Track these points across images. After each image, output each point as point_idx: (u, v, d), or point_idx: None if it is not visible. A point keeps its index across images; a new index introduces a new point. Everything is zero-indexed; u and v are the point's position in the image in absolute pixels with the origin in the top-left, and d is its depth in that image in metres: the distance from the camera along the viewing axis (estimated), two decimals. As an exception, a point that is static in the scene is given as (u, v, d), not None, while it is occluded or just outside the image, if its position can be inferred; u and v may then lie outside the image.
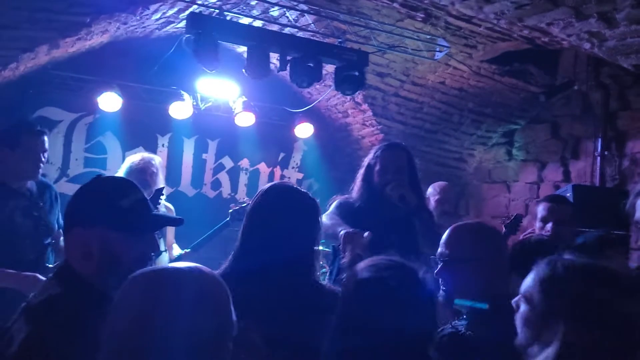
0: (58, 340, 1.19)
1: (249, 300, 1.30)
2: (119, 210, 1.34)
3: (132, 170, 3.51)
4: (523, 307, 1.27)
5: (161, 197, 3.20)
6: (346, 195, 2.83)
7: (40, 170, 2.84)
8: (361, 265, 1.42)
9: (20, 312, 1.28)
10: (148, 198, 1.45)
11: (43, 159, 2.83)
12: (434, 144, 5.13)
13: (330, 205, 2.80)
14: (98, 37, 3.89)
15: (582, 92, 4.42)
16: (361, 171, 2.82)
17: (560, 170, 4.67)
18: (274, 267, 1.56)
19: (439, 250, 1.77)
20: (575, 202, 3.46)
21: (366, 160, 2.83)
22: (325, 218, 2.61)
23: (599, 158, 4.33)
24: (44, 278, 2.58)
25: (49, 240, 2.82)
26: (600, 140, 4.33)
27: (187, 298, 1.01)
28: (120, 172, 3.59)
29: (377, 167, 2.71)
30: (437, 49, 4.04)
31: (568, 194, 3.59)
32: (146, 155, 3.72)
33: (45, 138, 2.85)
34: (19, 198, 2.75)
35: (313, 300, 1.58)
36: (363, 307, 1.30)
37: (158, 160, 3.70)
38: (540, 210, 2.80)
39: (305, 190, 1.81)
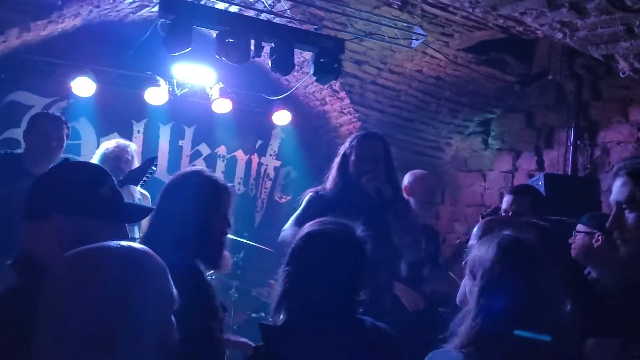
0: (21, 335, 1.11)
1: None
2: (99, 198, 1.33)
3: (106, 157, 3.45)
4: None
5: (154, 167, 3.21)
6: (319, 187, 2.80)
7: (57, 155, 3.06)
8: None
9: None
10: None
11: (57, 145, 3.07)
12: (412, 133, 5.15)
13: (302, 200, 2.78)
14: (70, 20, 3.82)
15: (557, 82, 4.47)
16: (337, 160, 2.79)
17: (534, 160, 4.73)
18: (326, 318, 1.47)
19: (470, 242, 1.75)
20: (547, 190, 3.51)
21: (342, 149, 2.80)
22: (289, 226, 2.64)
23: (571, 147, 4.40)
24: None
25: None
26: (573, 129, 4.39)
27: (160, 270, 1.01)
28: (95, 159, 3.54)
29: (353, 157, 2.69)
30: (414, 37, 4.04)
31: (540, 183, 3.64)
32: (121, 141, 3.66)
33: (64, 125, 3.14)
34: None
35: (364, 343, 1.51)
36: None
37: (133, 147, 3.65)
38: (504, 202, 2.84)
39: (349, 232, 1.60)
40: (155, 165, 3.18)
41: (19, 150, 3.33)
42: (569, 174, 4.35)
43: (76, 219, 1.29)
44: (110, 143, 3.59)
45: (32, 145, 3.10)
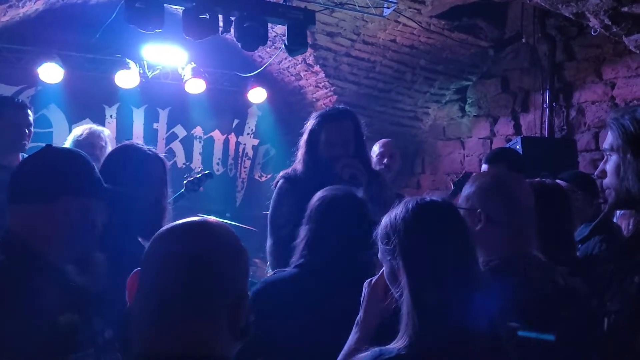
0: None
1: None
2: (97, 179, 1.47)
3: (79, 143, 3.26)
4: None
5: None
6: (289, 170, 2.67)
7: (27, 144, 2.86)
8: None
9: None
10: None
11: (27, 133, 2.86)
12: (388, 104, 5.13)
13: (274, 185, 2.67)
14: (31, 4, 3.70)
15: (530, 45, 4.47)
16: (304, 138, 2.62)
17: (511, 124, 4.75)
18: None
19: None
20: (525, 153, 3.54)
21: (309, 126, 2.62)
22: (269, 239, 2.59)
23: (547, 110, 4.42)
24: None
25: None
26: (548, 92, 4.41)
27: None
28: (66, 146, 3.44)
29: (323, 139, 2.54)
30: (385, 6, 3.99)
31: (517, 146, 3.66)
32: (93, 127, 3.50)
33: (29, 112, 2.89)
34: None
35: None
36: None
37: (107, 132, 3.54)
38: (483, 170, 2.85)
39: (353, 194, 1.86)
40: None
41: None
42: (546, 136, 4.39)
43: (83, 200, 1.41)
44: (81, 129, 3.42)
45: (2, 136, 2.84)
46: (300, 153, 2.62)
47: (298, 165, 2.63)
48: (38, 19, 4.14)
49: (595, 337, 1.37)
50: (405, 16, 4.20)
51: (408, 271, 1.22)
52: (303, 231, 1.80)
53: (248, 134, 5.52)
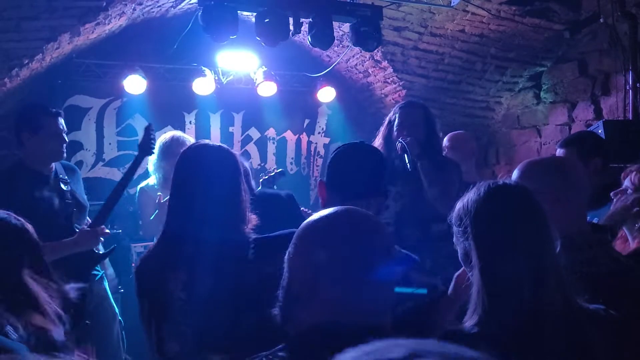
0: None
1: None
2: None
3: (166, 149, 3.55)
4: None
5: (152, 131, 3.18)
6: None
7: (65, 151, 2.82)
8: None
9: None
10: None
11: (66, 139, 2.80)
12: (459, 95, 5.06)
13: None
14: (116, 20, 3.97)
15: (609, 25, 4.25)
16: (382, 128, 2.97)
17: (591, 109, 4.54)
18: None
19: None
20: (607, 138, 3.39)
21: (387, 118, 2.97)
22: None
23: (630, 92, 4.19)
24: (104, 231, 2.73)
25: (85, 219, 2.95)
26: (630, 73, 4.18)
27: None
28: (156, 153, 3.60)
29: (396, 124, 2.85)
30: (453, -4, 3.95)
31: (600, 131, 3.52)
32: (177, 133, 3.76)
33: (61, 119, 2.81)
34: (51, 183, 2.77)
35: None
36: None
37: (190, 138, 3.76)
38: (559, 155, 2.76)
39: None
40: (153, 130, 3.11)
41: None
42: (630, 119, 4.16)
43: None
44: (166, 136, 3.69)
45: (44, 147, 2.73)
46: (377, 140, 2.90)
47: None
48: (121, 34, 4.44)
49: None
50: (473, 5, 4.13)
51: (478, 251, 1.25)
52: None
53: (319, 132, 5.63)
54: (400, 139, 2.71)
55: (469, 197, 1.31)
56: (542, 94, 4.96)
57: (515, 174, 1.71)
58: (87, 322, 2.61)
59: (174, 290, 1.52)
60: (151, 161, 3.69)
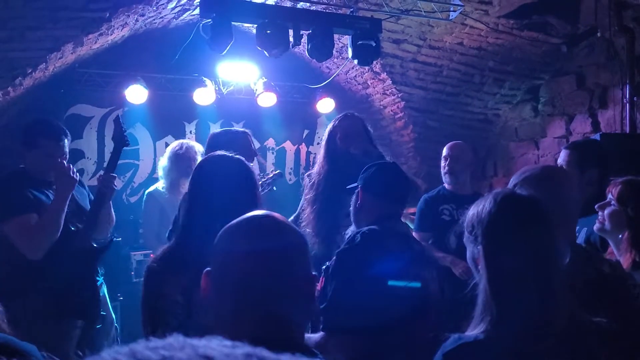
0: None
1: None
2: None
3: (178, 157, 3.73)
4: None
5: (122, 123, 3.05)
6: (310, 171, 3.21)
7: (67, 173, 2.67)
8: None
9: None
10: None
11: (62, 162, 2.68)
12: (457, 107, 5.10)
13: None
14: (118, 31, 4.02)
15: (606, 39, 4.30)
16: (323, 144, 3.13)
17: (588, 122, 4.58)
18: None
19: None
20: (605, 150, 3.42)
21: (326, 134, 3.14)
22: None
23: (627, 105, 4.23)
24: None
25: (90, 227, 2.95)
26: (628, 86, 4.22)
27: None
28: (164, 159, 3.83)
29: (339, 135, 3.02)
30: (451, 9, 4.00)
31: (596, 144, 3.55)
32: (185, 141, 3.95)
33: (66, 142, 2.75)
34: (51, 188, 2.77)
35: None
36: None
37: (199, 148, 3.86)
38: (561, 156, 2.80)
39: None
40: (122, 122, 2.99)
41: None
42: (627, 132, 4.20)
43: None
44: (177, 143, 3.89)
45: (40, 163, 2.71)
46: (319, 156, 3.10)
47: (315, 167, 3.11)
48: (124, 44, 4.48)
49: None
50: (472, 18, 4.18)
51: (488, 262, 1.26)
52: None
53: (318, 143, 5.65)
54: (358, 146, 2.92)
55: (484, 204, 1.32)
56: (539, 106, 5.00)
57: (511, 181, 1.72)
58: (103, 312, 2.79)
59: (173, 293, 1.53)
60: (160, 166, 3.87)
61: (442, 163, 3.57)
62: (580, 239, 2.18)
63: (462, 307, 1.49)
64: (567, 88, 4.75)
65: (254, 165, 3.38)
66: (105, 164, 4.72)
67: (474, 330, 1.24)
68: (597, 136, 3.75)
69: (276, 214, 1.13)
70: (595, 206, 1.95)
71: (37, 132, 2.72)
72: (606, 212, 1.88)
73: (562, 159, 2.78)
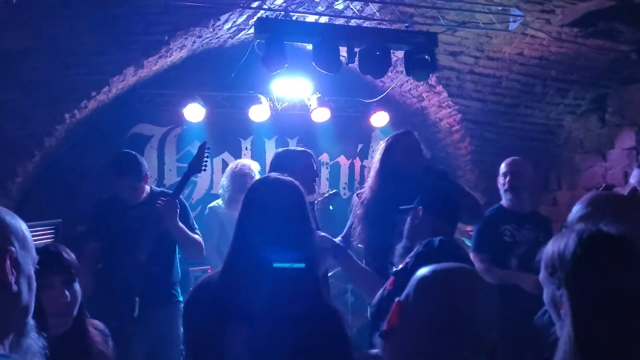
0: None
1: None
2: None
3: (235, 175, 3.97)
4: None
5: (207, 150, 3.26)
6: (360, 190, 3.14)
7: (141, 193, 3.11)
8: None
9: None
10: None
11: (135, 190, 3.06)
12: (516, 118, 4.92)
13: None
14: (177, 52, 4.13)
15: (680, 44, 4.04)
16: (377, 159, 3.01)
17: (661, 132, 4.31)
18: None
19: (569, 219, 1.67)
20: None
21: (381, 149, 3.01)
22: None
23: None
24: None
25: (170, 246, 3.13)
26: None
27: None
28: (223, 178, 4.11)
29: (400, 150, 2.90)
30: (511, 19, 3.87)
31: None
32: (242, 161, 4.19)
33: (131, 179, 3.04)
34: (133, 209, 3.08)
35: None
36: None
37: (255, 167, 4.06)
38: (632, 176, 2.63)
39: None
40: (208, 149, 3.22)
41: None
42: None
43: None
44: (234, 164, 4.16)
45: (124, 192, 3.11)
46: (371, 174, 2.99)
47: (366, 185, 3.01)
48: (182, 65, 4.61)
49: None
50: (532, 28, 4.03)
51: (574, 309, 1.15)
52: None
53: (372, 157, 5.60)
54: (418, 163, 2.84)
55: (567, 243, 1.21)
56: (607, 116, 4.75)
57: (583, 209, 1.60)
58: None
59: (232, 344, 1.46)
60: (220, 185, 4.12)
61: (501, 180, 3.43)
62: None
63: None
64: (637, 97, 4.48)
65: (317, 185, 3.38)
66: (164, 181, 4.95)
67: None
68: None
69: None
70: None
71: (111, 169, 3.09)
72: None
73: (635, 178, 2.60)
